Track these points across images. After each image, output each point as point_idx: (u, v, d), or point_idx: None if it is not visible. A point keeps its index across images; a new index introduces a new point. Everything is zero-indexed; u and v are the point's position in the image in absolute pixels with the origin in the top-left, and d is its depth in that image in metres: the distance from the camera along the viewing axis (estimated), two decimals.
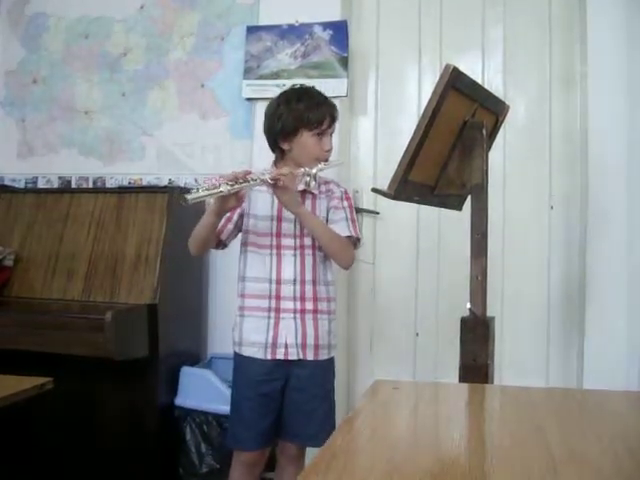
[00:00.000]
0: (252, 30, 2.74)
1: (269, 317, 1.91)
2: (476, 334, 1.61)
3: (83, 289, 2.47)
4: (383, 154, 2.74)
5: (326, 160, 1.92)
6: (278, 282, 1.91)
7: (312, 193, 1.95)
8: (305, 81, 2.57)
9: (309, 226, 1.89)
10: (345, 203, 1.99)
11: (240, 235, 1.98)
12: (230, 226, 1.93)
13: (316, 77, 2.63)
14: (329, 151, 1.94)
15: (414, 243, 2.72)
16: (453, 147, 1.71)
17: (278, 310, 1.91)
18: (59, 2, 3.01)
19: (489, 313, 1.66)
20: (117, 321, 2.13)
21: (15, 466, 2.29)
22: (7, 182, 2.99)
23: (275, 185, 1.78)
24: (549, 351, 2.59)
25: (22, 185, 2.98)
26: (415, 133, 1.55)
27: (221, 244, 1.96)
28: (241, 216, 1.95)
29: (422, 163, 1.58)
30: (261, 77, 2.70)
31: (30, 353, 2.17)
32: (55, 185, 2.96)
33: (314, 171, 1.85)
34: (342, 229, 1.94)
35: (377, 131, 2.78)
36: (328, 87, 2.59)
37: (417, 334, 2.72)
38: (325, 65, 2.64)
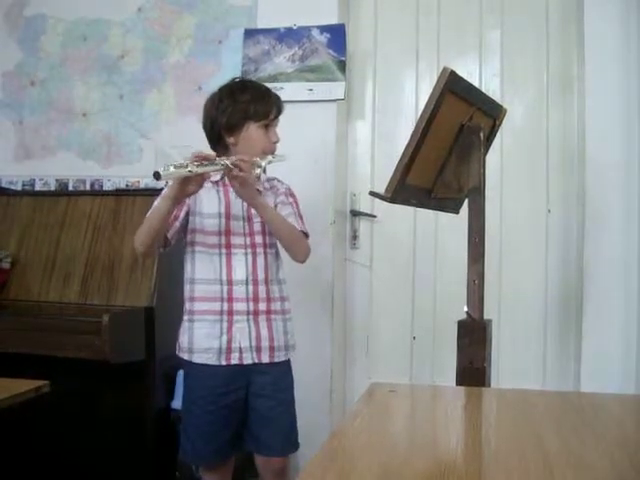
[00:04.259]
0: (250, 33, 2.74)
1: (222, 320, 1.83)
2: (473, 337, 1.61)
3: (80, 292, 2.46)
4: (380, 157, 2.74)
5: (272, 153, 1.87)
6: (229, 283, 1.84)
7: (258, 189, 1.84)
8: (303, 84, 2.59)
9: (266, 217, 1.82)
10: (291, 199, 1.95)
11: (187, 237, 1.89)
12: (177, 224, 1.82)
13: (314, 80, 2.63)
14: (276, 143, 1.90)
15: (411, 246, 2.72)
16: (450, 150, 1.71)
17: (231, 313, 1.84)
18: (57, 4, 3.00)
19: (486, 316, 1.66)
20: (114, 324, 2.13)
21: (11, 469, 2.28)
22: (4, 184, 2.98)
23: (236, 168, 1.68)
24: (546, 354, 2.59)
25: (19, 187, 2.98)
26: (412, 136, 1.55)
27: (167, 242, 1.82)
28: (187, 214, 1.86)
29: (419, 166, 1.58)
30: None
31: (26, 356, 2.16)
32: (52, 187, 2.95)
33: (263, 163, 1.79)
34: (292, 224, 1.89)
35: (374, 134, 2.78)
36: (326, 90, 2.61)
37: (414, 337, 2.71)
38: (323, 68, 2.64)
